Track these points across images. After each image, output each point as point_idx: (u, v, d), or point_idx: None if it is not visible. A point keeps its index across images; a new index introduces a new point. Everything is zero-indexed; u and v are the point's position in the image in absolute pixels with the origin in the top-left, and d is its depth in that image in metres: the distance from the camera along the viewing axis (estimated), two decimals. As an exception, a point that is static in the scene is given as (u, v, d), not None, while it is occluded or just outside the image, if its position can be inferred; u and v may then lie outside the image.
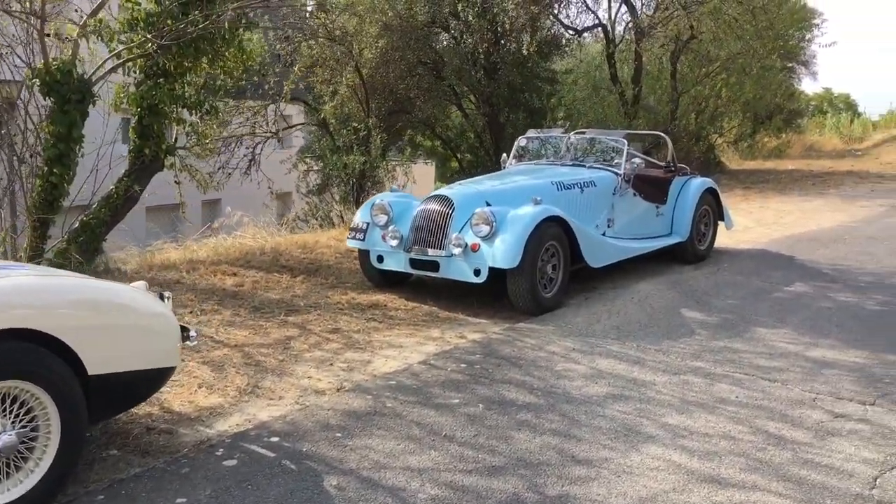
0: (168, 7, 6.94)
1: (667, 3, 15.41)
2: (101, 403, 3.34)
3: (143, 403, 4.08)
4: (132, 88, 7.37)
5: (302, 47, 13.13)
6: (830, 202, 13.59)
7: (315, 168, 14.41)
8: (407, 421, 4.14)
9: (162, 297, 3.83)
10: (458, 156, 18.79)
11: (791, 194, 14.73)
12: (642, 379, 4.82)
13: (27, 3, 6.70)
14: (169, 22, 6.91)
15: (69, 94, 6.58)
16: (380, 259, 6.66)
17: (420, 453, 3.77)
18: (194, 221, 14.03)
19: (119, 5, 7.38)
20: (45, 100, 6.79)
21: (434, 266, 6.35)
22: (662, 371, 4.96)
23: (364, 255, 6.84)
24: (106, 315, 3.38)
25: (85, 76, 6.82)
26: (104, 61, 7.09)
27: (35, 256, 6.77)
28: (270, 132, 13.33)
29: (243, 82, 12.01)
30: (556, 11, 16.23)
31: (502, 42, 15.33)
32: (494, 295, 6.46)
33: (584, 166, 7.83)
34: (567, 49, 17.29)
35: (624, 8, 16.47)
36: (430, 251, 6.33)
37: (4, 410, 3.01)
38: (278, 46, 13.11)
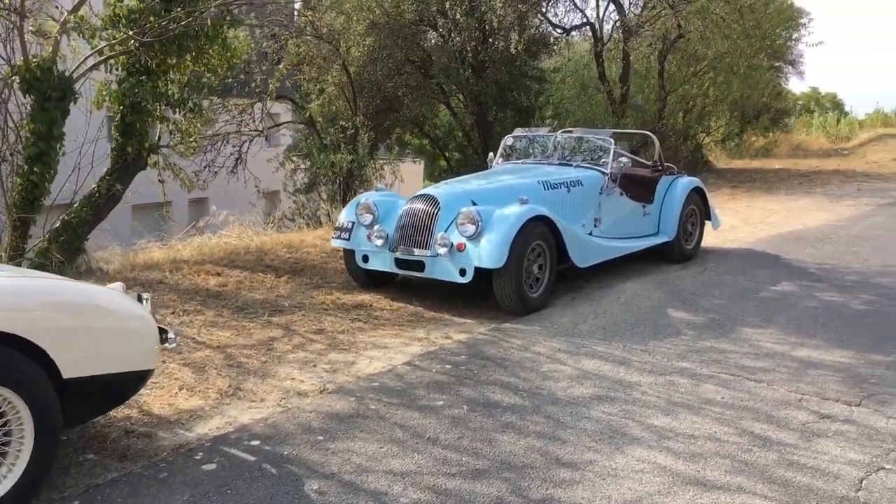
0: (150, 4, 6.86)
1: (654, 2, 15.44)
2: (76, 407, 3.27)
3: (122, 406, 4.03)
4: (114, 86, 7.29)
5: (289, 45, 13.05)
6: (817, 201, 13.63)
7: (302, 167, 14.33)
8: (390, 423, 4.09)
9: (140, 299, 3.76)
10: (447, 154, 18.75)
11: (778, 193, 14.76)
12: (628, 380, 4.79)
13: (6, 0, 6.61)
14: (151, 19, 6.84)
15: (49, 91, 6.50)
16: (365, 259, 6.61)
17: (403, 456, 3.73)
18: (181, 220, 13.91)
19: (103, 2, 7.31)
20: (25, 97, 6.70)
21: (419, 266, 6.29)
22: (648, 372, 4.93)
23: (349, 254, 6.78)
24: (81, 317, 3.31)
25: (66, 73, 6.73)
26: (85, 58, 7.00)
27: (16, 256, 6.68)
28: (257, 130, 13.24)
29: (229, 80, 11.94)
30: (543, 10, 16.22)
31: (490, 40, 15.30)
32: (480, 295, 6.41)
33: (570, 165, 7.80)
34: (555, 48, 17.29)
35: (612, 7, 16.49)
36: (416, 251, 6.28)
37: (-24, 415, 2.95)
38: (265, 44, 13.03)
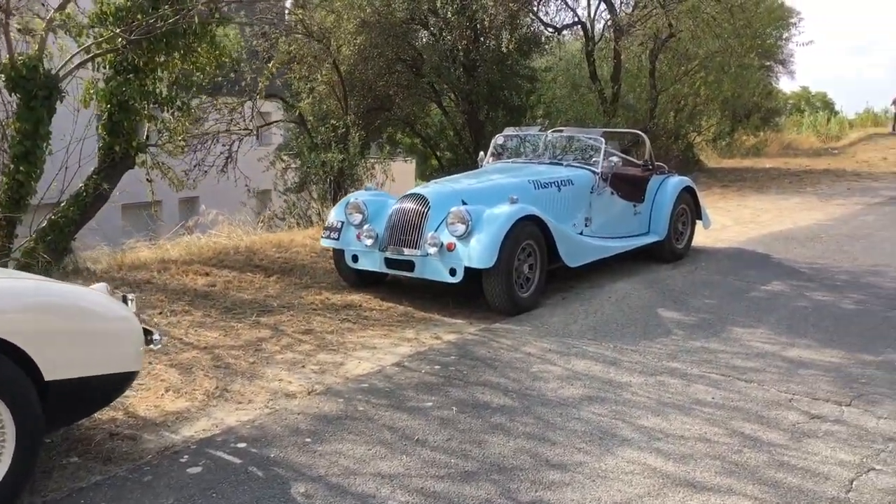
0: (138, 1, 6.81)
1: (645, 1, 15.44)
2: (58, 410, 3.23)
3: (107, 408, 3.98)
4: (101, 84, 7.23)
5: (279, 43, 12.98)
6: (807, 200, 13.66)
7: (293, 166, 14.26)
8: (378, 425, 4.05)
9: (125, 300, 3.71)
10: (438, 154, 18.71)
11: (768, 193, 14.79)
12: (618, 380, 4.77)
13: (-9, -3, 6.55)
14: (139, 16, 6.78)
15: (35, 90, 6.44)
16: (355, 259, 6.57)
17: (391, 458, 3.69)
18: (171, 220, 13.84)
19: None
20: (10, 96, 6.64)
21: (409, 266, 6.26)
22: (639, 372, 4.91)
23: (339, 254, 6.74)
24: (63, 319, 3.26)
25: (52, 72, 6.67)
26: (72, 56, 6.94)
27: (1, 256, 6.61)
28: (247, 129, 13.16)
29: (219, 79, 11.87)
30: (535, 9, 16.21)
31: (482, 39, 15.27)
32: (471, 295, 6.38)
33: (561, 165, 7.77)
34: (546, 47, 17.25)
35: (603, 6, 16.48)
36: (406, 251, 6.24)
37: (-45, 418, 2.90)
38: (254, 42, 12.96)
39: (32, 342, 3.03)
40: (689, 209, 8.63)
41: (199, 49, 7.40)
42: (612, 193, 7.73)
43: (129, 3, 6.82)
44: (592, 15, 16.75)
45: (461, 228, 6.01)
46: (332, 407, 4.27)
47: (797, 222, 11.20)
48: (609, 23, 16.31)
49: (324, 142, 13.03)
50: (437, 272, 6.12)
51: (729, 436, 4.01)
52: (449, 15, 15.07)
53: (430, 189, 6.70)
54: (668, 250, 8.23)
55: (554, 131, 8.54)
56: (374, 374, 4.81)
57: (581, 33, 17.05)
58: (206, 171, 13.03)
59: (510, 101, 16.33)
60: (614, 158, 7.84)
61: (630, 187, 8.01)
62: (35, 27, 6.82)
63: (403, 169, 20.33)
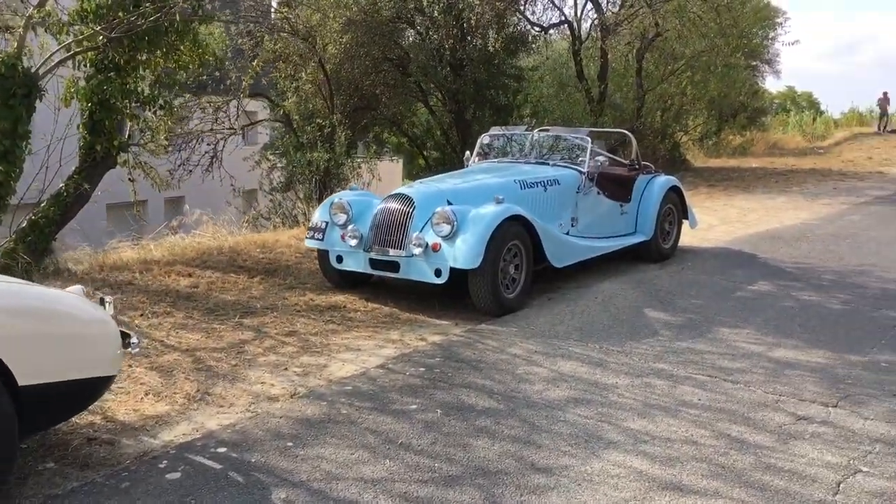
0: (119, -2, 6.72)
1: (632, 1, 15.43)
2: (33, 415, 3.15)
3: (85, 412, 3.91)
4: (82, 83, 7.13)
5: (265, 42, 12.89)
6: (793, 200, 13.69)
7: (279, 165, 14.18)
8: (362, 428, 4.00)
9: (102, 302, 3.64)
10: (425, 153, 18.64)
11: (755, 192, 14.82)
12: (604, 382, 4.73)
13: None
14: (120, 14, 6.69)
15: (14, 88, 6.33)
16: (339, 259, 6.50)
17: (374, 463, 3.64)
18: (157, 219, 13.74)
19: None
20: (-11, 94, 6.53)
21: (394, 266, 6.20)
22: (625, 373, 4.87)
23: (323, 255, 6.68)
24: (37, 322, 3.18)
25: (31, 70, 6.56)
26: (52, 54, 6.84)
27: (-20, 257, 6.52)
28: (231, 128, 13.06)
29: (203, 77, 11.77)
30: (521, 8, 16.16)
31: (468, 38, 15.21)
32: (456, 295, 6.33)
33: (547, 164, 7.73)
34: (533, 46, 17.21)
35: (590, 5, 16.48)
36: (391, 251, 6.18)
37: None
38: (239, 41, 12.86)
39: (5, 346, 2.96)
40: (675, 209, 8.61)
41: (181, 47, 7.32)
42: (599, 193, 7.70)
43: (109, 1, 6.73)
44: (579, 14, 16.75)
45: (446, 229, 5.96)
46: (315, 410, 4.21)
47: (783, 222, 11.22)
48: (596, 22, 16.30)
49: (310, 141, 12.96)
50: (423, 273, 6.07)
51: (715, 438, 3.98)
52: (435, 14, 15.01)
53: (415, 189, 6.64)
54: (655, 250, 8.21)
55: (540, 131, 8.50)
56: (357, 376, 4.75)
57: (568, 32, 17.03)
58: (190, 171, 12.94)
59: (497, 100, 16.29)
60: (601, 158, 7.81)
61: (617, 187, 7.98)
62: (14, 25, 6.71)
63: (390, 168, 20.28)
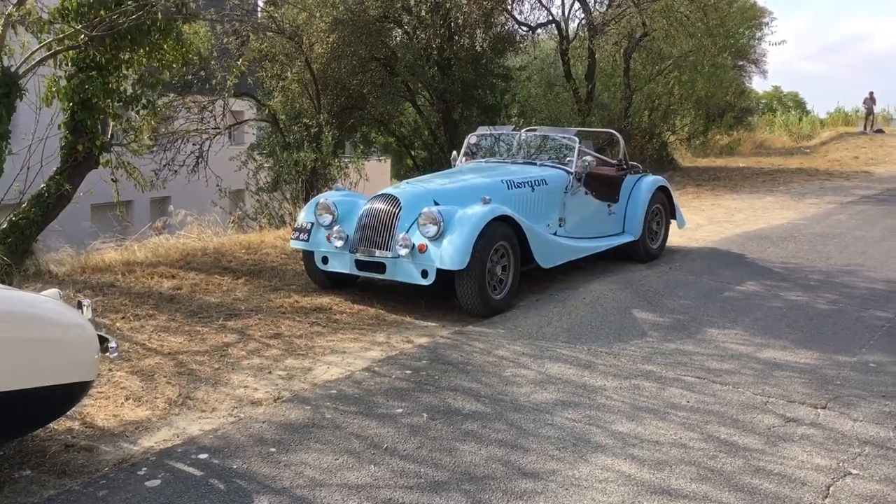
0: (101, -4, 6.61)
1: (619, 1, 15.41)
2: (6, 424, 3.07)
3: (63, 418, 3.82)
4: (63, 82, 7.02)
5: (251, 41, 12.79)
6: (780, 200, 13.71)
7: (266, 165, 14.08)
8: (346, 433, 3.93)
9: (80, 306, 3.55)
10: (413, 153, 18.58)
11: (742, 192, 14.83)
12: (592, 384, 4.68)
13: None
14: (102, 12, 6.59)
15: (-7, 87, 6.23)
16: (324, 260, 6.43)
17: (359, 468, 3.57)
18: (143, 220, 13.59)
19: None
20: (-33, 93, 6.42)
21: (381, 268, 6.13)
22: (613, 375, 4.83)
23: (308, 256, 6.60)
24: (10, 327, 3.09)
25: (11, 69, 6.46)
26: (32, 53, 6.73)
27: (-41, 259, 6.40)
28: (217, 128, 12.96)
29: (189, 77, 11.67)
30: (509, 7, 16.12)
31: (456, 38, 15.15)
32: (443, 297, 6.27)
33: (535, 164, 7.68)
34: (521, 45, 17.18)
35: (577, 5, 16.47)
36: (377, 252, 6.11)
37: None
38: (225, 40, 12.76)
39: (-23, 352, 2.88)
40: (663, 209, 8.58)
41: (164, 46, 7.22)
42: (587, 193, 7.66)
43: (91, -1, 6.63)
44: (567, 14, 16.76)
45: (433, 229, 5.90)
46: (299, 415, 4.14)
47: (771, 221, 11.22)
48: (583, 21, 16.29)
49: (296, 141, 12.87)
50: (409, 274, 6.01)
51: (704, 440, 3.94)
52: (423, 13, 14.95)
53: (401, 189, 6.57)
54: (643, 250, 8.18)
55: (528, 130, 8.45)
56: (343, 379, 4.68)
57: (555, 32, 17.02)
58: (175, 171, 12.84)
59: (485, 100, 16.25)
60: (588, 158, 7.77)
61: (604, 187, 7.94)
62: (-7, 23, 6.60)
63: (379, 169, 20.21)
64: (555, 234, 7.23)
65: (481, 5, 14.26)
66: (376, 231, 6.17)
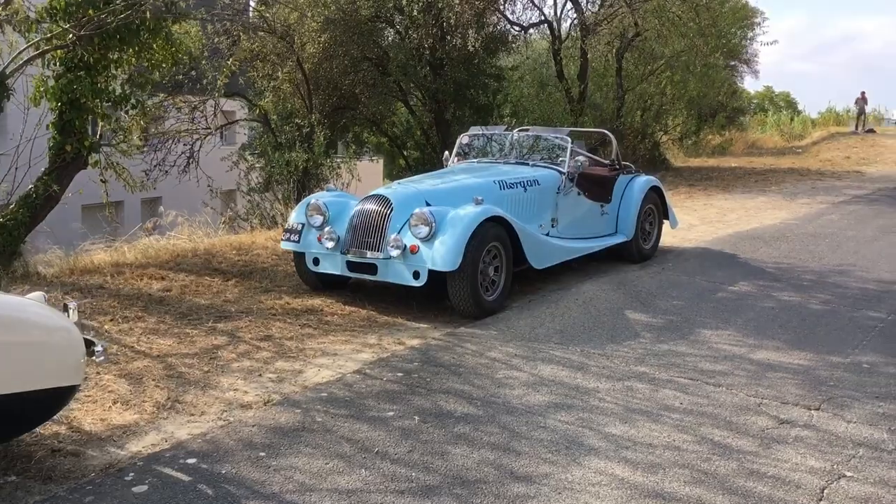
0: (89, -5, 6.55)
1: (611, 0, 15.40)
2: (-9, 428, 3.02)
3: (50, 422, 3.77)
4: (51, 82, 6.95)
5: (242, 40, 12.73)
6: (773, 200, 13.71)
7: (257, 166, 14.01)
8: (337, 437, 3.89)
9: (65, 308, 3.50)
10: (405, 153, 18.54)
11: (734, 192, 14.84)
12: (585, 386, 4.65)
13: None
14: (90, 11, 6.52)
15: (-21, 87, 6.16)
16: (316, 262, 6.38)
17: (349, 473, 3.53)
18: (134, 221, 13.51)
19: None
20: (-47, 94, 6.36)
21: (372, 269, 6.09)
22: (606, 377, 4.80)
23: (299, 257, 6.55)
24: (-7, 331, 3.05)
25: (-2, 68, 6.40)
26: (19, 52, 6.66)
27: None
28: (208, 128, 12.89)
29: (180, 77, 11.60)
30: (501, 7, 16.10)
31: (448, 38, 15.12)
32: (435, 298, 6.23)
33: (527, 164, 7.65)
34: (513, 45, 17.15)
35: (569, 4, 16.46)
36: (368, 253, 6.07)
37: None
38: (216, 40, 12.69)
39: (-41, 357, 2.83)
40: (656, 209, 8.56)
41: (154, 45, 7.16)
42: (579, 194, 7.63)
43: (79, -2, 6.56)
44: (559, 13, 16.74)
45: (424, 230, 5.85)
46: (289, 418, 4.10)
47: (763, 221, 11.22)
48: (576, 21, 16.27)
49: (288, 141, 12.80)
50: (401, 275, 5.96)
51: (698, 443, 3.91)
52: (415, 13, 14.90)
53: (392, 190, 6.53)
54: (636, 251, 8.15)
55: (520, 130, 8.41)
56: (333, 382, 4.64)
57: (548, 32, 17.00)
58: (166, 172, 12.77)
59: (477, 100, 16.22)
60: (581, 158, 7.74)
61: (597, 187, 7.91)
62: (-20, 22, 6.54)
63: (371, 169, 20.14)
64: (547, 234, 7.20)
65: (473, 5, 14.23)
66: (367, 232, 6.13)
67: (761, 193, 14.57)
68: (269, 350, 5.19)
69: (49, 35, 6.67)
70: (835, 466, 3.69)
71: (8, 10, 6.44)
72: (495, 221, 6.12)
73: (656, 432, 4.02)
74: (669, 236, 9.20)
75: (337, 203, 6.52)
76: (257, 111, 13.28)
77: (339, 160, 13.97)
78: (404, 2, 14.95)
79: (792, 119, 34.52)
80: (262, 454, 3.68)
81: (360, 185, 13.54)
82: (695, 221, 11.15)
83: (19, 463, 3.54)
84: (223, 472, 3.50)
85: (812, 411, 4.34)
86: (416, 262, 5.86)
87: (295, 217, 6.61)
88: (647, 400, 4.46)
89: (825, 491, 3.46)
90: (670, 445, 3.88)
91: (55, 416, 3.68)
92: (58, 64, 6.92)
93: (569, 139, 7.73)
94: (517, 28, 16.92)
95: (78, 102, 6.86)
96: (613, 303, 6.55)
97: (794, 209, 12.50)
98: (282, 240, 6.68)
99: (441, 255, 5.75)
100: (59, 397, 3.30)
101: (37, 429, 3.70)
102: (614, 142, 8.85)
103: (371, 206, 6.24)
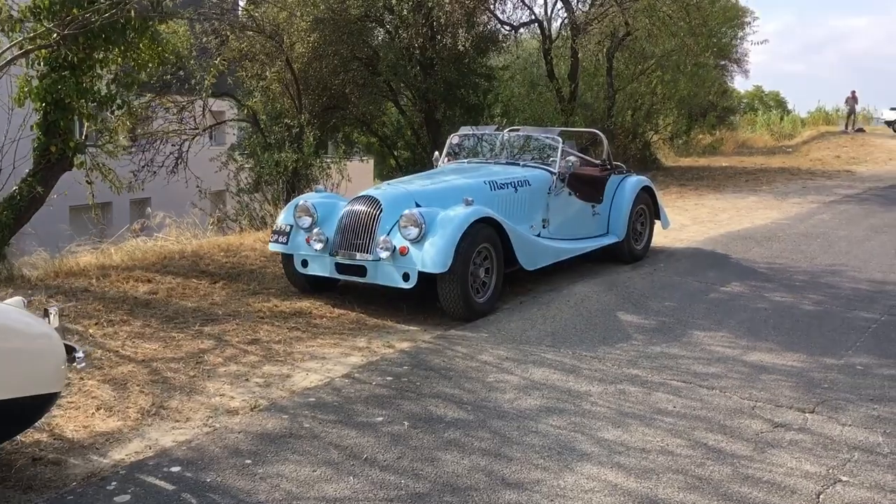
0: (74, -6, 6.45)
1: (602, 0, 15.37)
2: (-33, 438, 2.94)
3: (31, 430, 3.69)
4: (36, 82, 6.85)
5: (230, 40, 12.62)
6: (764, 199, 13.70)
7: (246, 166, 13.90)
8: (325, 443, 3.82)
9: (46, 314, 3.42)
10: (396, 153, 18.46)
11: (725, 191, 14.82)
12: (577, 389, 4.59)
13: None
14: (74, 10, 6.42)
15: (-38, 87, 6.05)
16: (304, 263, 6.30)
17: (337, 480, 3.46)
18: (123, 221, 13.38)
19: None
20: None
21: (361, 271, 6.01)
22: (598, 380, 4.74)
23: (288, 259, 6.47)
24: (-30, 338, 2.97)
25: (-20, 68, 6.30)
26: (2, 52, 6.56)
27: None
28: (196, 129, 12.78)
29: (167, 77, 11.49)
30: (491, 6, 16.04)
31: (438, 37, 15.05)
32: (425, 300, 6.16)
33: (518, 165, 7.59)
34: (504, 45, 17.10)
35: (560, 4, 16.41)
36: (357, 255, 6.00)
37: None
38: (204, 39, 12.58)
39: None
40: (647, 209, 8.51)
41: (140, 45, 7.06)
42: (570, 194, 7.57)
43: (63, -4, 6.46)
44: (549, 13, 16.71)
45: (414, 231, 5.78)
46: (276, 424, 4.02)
47: (754, 221, 11.19)
48: (566, 21, 16.23)
49: (278, 141, 12.71)
50: (390, 277, 5.89)
51: (692, 448, 3.85)
52: (405, 12, 14.82)
53: (382, 191, 6.46)
54: (627, 251, 8.10)
55: (510, 130, 8.35)
56: (322, 386, 4.56)
57: (538, 31, 16.95)
58: (154, 172, 12.66)
59: (467, 99, 16.15)
60: (572, 158, 7.68)
61: (588, 188, 7.85)
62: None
63: (362, 169, 20.03)
64: (538, 235, 7.14)
65: (464, 4, 14.17)
66: (357, 233, 6.05)
67: (752, 193, 14.56)
68: (256, 354, 5.11)
69: (33, 34, 6.56)
70: (830, 471, 3.64)
71: (-9, 9, 6.34)
72: (486, 222, 6.05)
73: (649, 437, 3.97)
74: (661, 236, 9.16)
75: (326, 204, 6.44)
76: (246, 111, 13.18)
77: (328, 160, 13.89)
78: (394, 1, 14.87)
79: (782, 118, 34.61)
80: (249, 462, 3.60)
81: (350, 185, 13.47)
82: (686, 221, 11.11)
83: (-1, 472, 3.46)
84: (208, 480, 3.42)
85: (806, 414, 4.30)
86: (406, 263, 5.78)
87: (283, 218, 6.53)
88: (639, 403, 4.40)
89: (821, 496, 3.41)
90: (664, 450, 3.82)
91: (36, 424, 3.60)
92: (42, 64, 6.83)
93: (559, 139, 7.67)
94: (507, 27, 16.89)
95: (63, 103, 6.76)
96: (605, 304, 6.50)
97: (786, 209, 12.49)
98: (270, 241, 6.59)
99: (431, 256, 5.69)
100: (39, 405, 3.22)
101: (17, 437, 3.61)
102: (605, 141, 8.80)
103: (360, 208, 6.17)
